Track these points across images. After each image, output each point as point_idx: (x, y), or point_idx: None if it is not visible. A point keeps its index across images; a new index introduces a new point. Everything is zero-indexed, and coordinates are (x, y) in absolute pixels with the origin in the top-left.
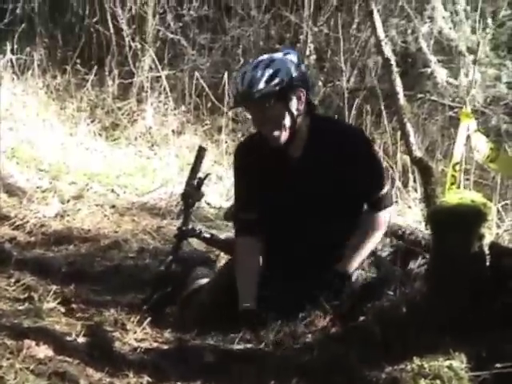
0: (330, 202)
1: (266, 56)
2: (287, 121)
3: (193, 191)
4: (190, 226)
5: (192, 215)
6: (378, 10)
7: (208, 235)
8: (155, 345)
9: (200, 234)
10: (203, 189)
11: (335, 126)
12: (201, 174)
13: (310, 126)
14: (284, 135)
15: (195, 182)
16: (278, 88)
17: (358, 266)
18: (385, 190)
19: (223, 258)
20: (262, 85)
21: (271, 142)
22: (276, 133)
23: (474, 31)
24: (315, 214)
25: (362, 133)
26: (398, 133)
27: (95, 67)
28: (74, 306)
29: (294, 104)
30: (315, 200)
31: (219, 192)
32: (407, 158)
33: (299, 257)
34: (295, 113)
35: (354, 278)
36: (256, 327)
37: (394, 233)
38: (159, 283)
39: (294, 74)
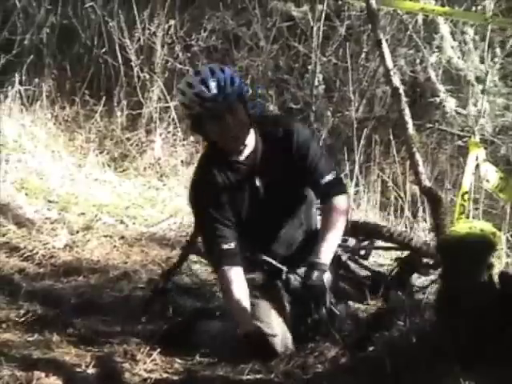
0: (294, 198)
1: (210, 65)
2: (248, 124)
3: None
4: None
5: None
6: (387, 40)
7: None
8: (165, 376)
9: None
10: None
11: (271, 124)
12: None
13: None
14: (246, 138)
15: None
16: (240, 91)
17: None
18: (330, 177)
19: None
20: (229, 88)
21: (236, 147)
22: (242, 136)
23: (482, 61)
24: (284, 213)
25: (296, 122)
26: (407, 162)
27: (104, 98)
28: (83, 337)
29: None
30: (280, 201)
31: None
32: (416, 188)
33: (279, 257)
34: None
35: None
36: (265, 347)
37: (381, 235)
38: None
39: None
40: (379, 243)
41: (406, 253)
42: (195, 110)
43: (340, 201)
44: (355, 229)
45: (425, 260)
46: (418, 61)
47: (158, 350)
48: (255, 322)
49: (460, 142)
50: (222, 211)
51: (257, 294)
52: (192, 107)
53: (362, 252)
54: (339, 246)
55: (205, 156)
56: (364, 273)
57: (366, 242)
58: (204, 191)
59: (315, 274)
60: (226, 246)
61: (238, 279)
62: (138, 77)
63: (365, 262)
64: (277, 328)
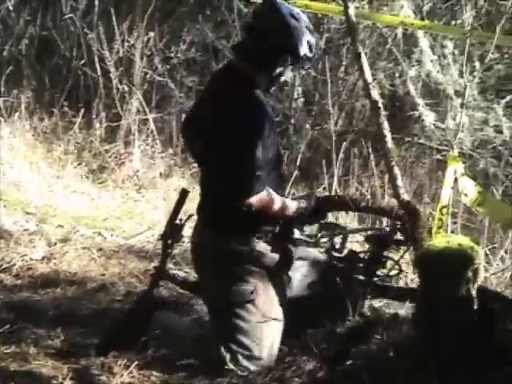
0: None
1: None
2: None
3: (173, 232)
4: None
5: (174, 256)
6: (366, 53)
7: (181, 279)
8: None
9: (173, 277)
10: (185, 230)
11: None
12: (182, 216)
13: None
14: None
15: (176, 223)
16: None
17: None
18: None
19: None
20: None
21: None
22: None
23: (461, 75)
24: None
25: None
26: (386, 176)
27: (82, 110)
28: (60, 349)
29: None
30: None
31: None
32: (395, 202)
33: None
34: None
35: None
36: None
37: (357, 205)
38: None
39: None
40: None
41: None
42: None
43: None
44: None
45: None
46: (397, 74)
47: (135, 362)
48: (245, 338)
49: (439, 156)
50: (265, 141)
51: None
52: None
53: (337, 245)
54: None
55: (251, 91)
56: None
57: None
58: (258, 116)
59: None
60: (259, 172)
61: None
62: (117, 89)
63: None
64: (264, 350)
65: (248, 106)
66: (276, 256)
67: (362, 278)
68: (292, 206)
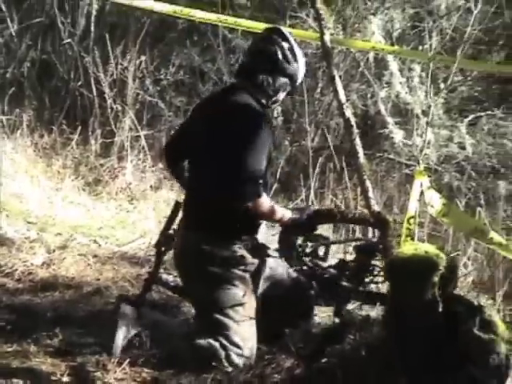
0: None
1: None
2: None
3: (166, 241)
4: (160, 274)
5: (165, 262)
6: (340, 76)
7: (173, 284)
8: None
9: (165, 283)
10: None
11: None
12: (175, 226)
13: None
14: None
15: (169, 233)
16: None
17: None
18: None
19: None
20: None
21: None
22: None
23: (427, 95)
24: None
25: None
26: (358, 188)
27: (79, 127)
28: (58, 347)
29: None
30: None
31: None
32: (367, 212)
33: None
34: None
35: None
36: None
37: (344, 216)
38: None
39: None
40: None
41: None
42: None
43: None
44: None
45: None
46: (369, 95)
47: (128, 360)
48: (236, 338)
49: (407, 171)
50: (268, 151)
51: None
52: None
53: (321, 253)
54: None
55: (254, 106)
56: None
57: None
58: (264, 127)
59: None
60: (260, 181)
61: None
62: (111, 108)
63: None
64: (249, 349)
65: (254, 119)
66: (255, 262)
67: (346, 284)
68: (287, 214)
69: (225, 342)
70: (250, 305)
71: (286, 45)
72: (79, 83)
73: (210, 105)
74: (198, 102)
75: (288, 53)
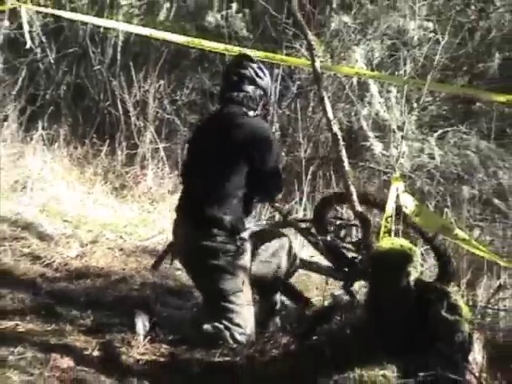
0: None
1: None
2: None
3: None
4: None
5: None
6: (329, 97)
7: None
8: (154, 358)
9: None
10: None
11: None
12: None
13: None
14: None
15: None
16: None
17: None
18: None
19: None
20: None
21: None
22: None
23: (402, 113)
24: None
25: None
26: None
27: (108, 140)
28: (90, 327)
29: None
30: None
31: None
32: (351, 212)
33: None
34: None
35: None
36: None
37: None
38: None
39: None
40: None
41: None
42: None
43: None
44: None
45: None
46: (352, 113)
47: (148, 337)
48: (238, 319)
49: (385, 177)
50: None
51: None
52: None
53: (342, 233)
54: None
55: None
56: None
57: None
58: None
59: None
60: None
61: None
62: (135, 124)
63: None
64: (250, 328)
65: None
66: (249, 249)
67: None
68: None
69: (228, 324)
70: (248, 289)
71: (255, 65)
72: (107, 103)
73: (215, 124)
74: (196, 128)
75: (258, 71)
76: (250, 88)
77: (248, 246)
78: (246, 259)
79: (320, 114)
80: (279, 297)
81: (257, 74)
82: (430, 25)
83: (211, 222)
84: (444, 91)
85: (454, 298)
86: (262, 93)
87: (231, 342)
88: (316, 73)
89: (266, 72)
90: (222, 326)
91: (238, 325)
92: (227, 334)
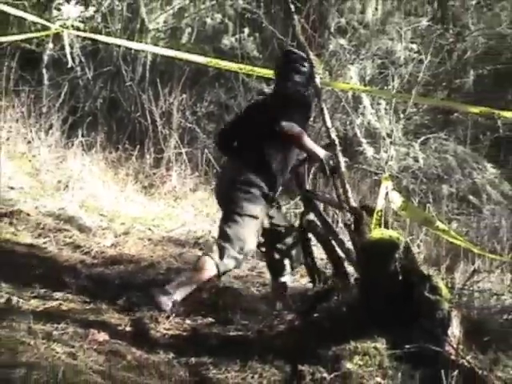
0: None
1: None
2: None
3: None
4: None
5: None
6: (327, 108)
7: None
8: (178, 332)
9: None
10: None
11: None
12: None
13: None
14: None
15: None
16: None
17: None
18: None
19: None
20: None
21: None
22: None
23: (390, 122)
24: None
25: None
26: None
27: (138, 146)
28: (123, 306)
29: None
30: None
31: None
32: (346, 207)
33: None
34: None
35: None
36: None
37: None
38: None
39: None
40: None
41: None
42: None
43: None
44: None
45: None
46: (348, 122)
47: (173, 315)
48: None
49: (376, 177)
50: None
51: None
52: None
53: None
54: None
55: None
56: None
57: None
58: None
59: None
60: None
61: None
62: (161, 132)
63: None
64: (246, 247)
65: None
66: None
67: None
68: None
69: (233, 236)
70: (261, 221)
71: (298, 56)
72: (138, 114)
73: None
74: (249, 105)
75: (301, 60)
76: (297, 76)
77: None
78: (269, 205)
79: (320, 123)
80: (289, 277)
81: (301, 64)
82: (415, 46)
83: (255, 171)
84: (426, 103)
85: (435, 281)
86: (307, 77)
87: (216, 260)
88: (316, 88)
89: (307, 60)
90: (215, 246)
91: (240, 239)
92: (230, 247)
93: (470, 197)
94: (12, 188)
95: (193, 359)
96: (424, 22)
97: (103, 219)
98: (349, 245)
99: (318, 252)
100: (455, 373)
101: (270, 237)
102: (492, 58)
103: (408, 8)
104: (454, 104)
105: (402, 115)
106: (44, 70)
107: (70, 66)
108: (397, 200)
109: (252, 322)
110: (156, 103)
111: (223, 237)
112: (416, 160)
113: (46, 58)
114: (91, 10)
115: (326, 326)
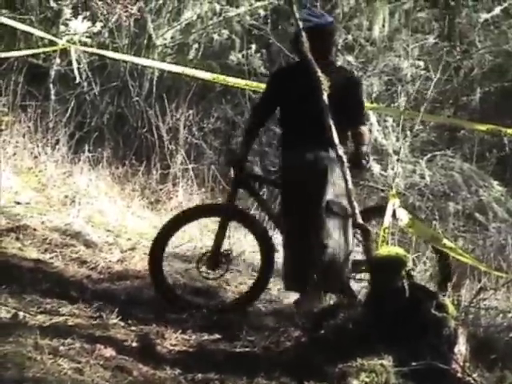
0: None
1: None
2: None
3: None
4: None
5: None
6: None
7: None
8: (184, 348)
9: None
10: None
11: None
12: None
13: None
14: None
15: None
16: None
17: None
18: None
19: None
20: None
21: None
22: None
23: (397, 139)
24: None
25: None
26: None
27: (144, 162)
28: (129, 321)
29: None
30: None
31: None
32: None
33: None
34: None
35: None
36: None
37: None
38: None
39: None
40: None
41: None
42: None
43: None
44: None
45: None
46: None
47: (179, 331)
48: None
49: (383, 194)
50: None
51: None
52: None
53: None
54: None
55: None
56: None
57: None
58: None
59: None
60: None
61: None
62: (168, 148)
63: None
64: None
65: None
66: None
67: None
68: None
69: None
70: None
71: None
72: (144, 130)
73: None
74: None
75: None
76: None
77: None
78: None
79: None
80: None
81: None
82: (422, 63)
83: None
84: (433, 121)
85: (442, 298)
86: None
87: None
88: (324, 104)
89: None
90: None
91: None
92: None
93: (476, 214)
94: (18, 203)
95: (199, 375)
96: (431, 39)
97: (109, 234)
98: None
99: None
100: None
101: None
102: (499, 75)
103: (415, 25)
104: (461, 122)
105: (408, 132)
106: (51, 85)
107: (77, 81)
108: (404, 217)
109: (258, 338)
110: (163, 119)
111: None
112: (422, 177)
113: (52, 73)
114: (98, 25)
115: (333, 343)
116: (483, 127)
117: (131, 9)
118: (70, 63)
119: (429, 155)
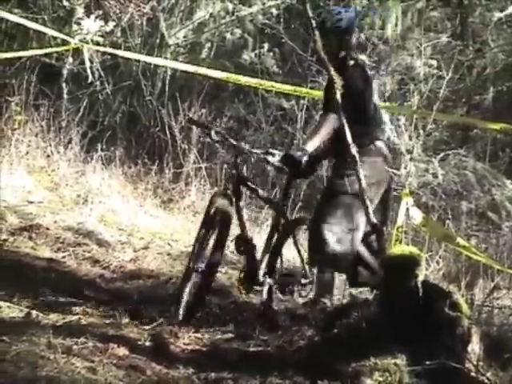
0: None
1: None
2: None
3: None
4: None
5: None
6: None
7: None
8: (197, 347)
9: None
10: None
11: None
12: None
13: None
14: None
15: None
16: None
17: None
18: None
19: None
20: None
21: None
22: None
23: (410, 138)
24: None
25: None
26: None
27: (157, 161)
28: (142, 320)
29: None
30: None
31: None
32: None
33: None
34: None
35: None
36: None
37: None
38: None
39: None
40: None
41: None
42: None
43: None
44: None
45: None
46: None
47: (192, 330)
48: None
49: (395, 193)
50: None
51: None
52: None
53: None
54: None
55: None
56: None
57: None
58: None
59: None
60: None
61: None
62: (180, 147)
63: None
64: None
65: None
66: None
67: None
68: None
69: None
70: None
71: None
72: (157, 129)
73: None
74: None
75: None
76: None
77: None
78: None
79: None
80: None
81: None
82: (434, 62)
83: None
84: (446, 120)
85: (456, 297)
86: None
87: None
88: (337, 103)
89: None
90: None
91: None
92: None
93: (489, 213)
94: (31, 202)
95: (212, 374)
96: (444, 38)
97: (122, 234)
98: None
99: None
100: None
101: None
102: (511, 74)
103: (428, 24)
104: (473, 120)
105: (421, 131)
106: (63, 85)
107: (89, 80)
108: (417, 216)
109: (272, 337)
110: (175, 118)
111: None
112: (435, 176)
113: (65, 72)
114: (111, 24)
115: (346, 342)
116: (496, 126)
117: (144, 8)
118: (82, 62)
119: (442, 154)
